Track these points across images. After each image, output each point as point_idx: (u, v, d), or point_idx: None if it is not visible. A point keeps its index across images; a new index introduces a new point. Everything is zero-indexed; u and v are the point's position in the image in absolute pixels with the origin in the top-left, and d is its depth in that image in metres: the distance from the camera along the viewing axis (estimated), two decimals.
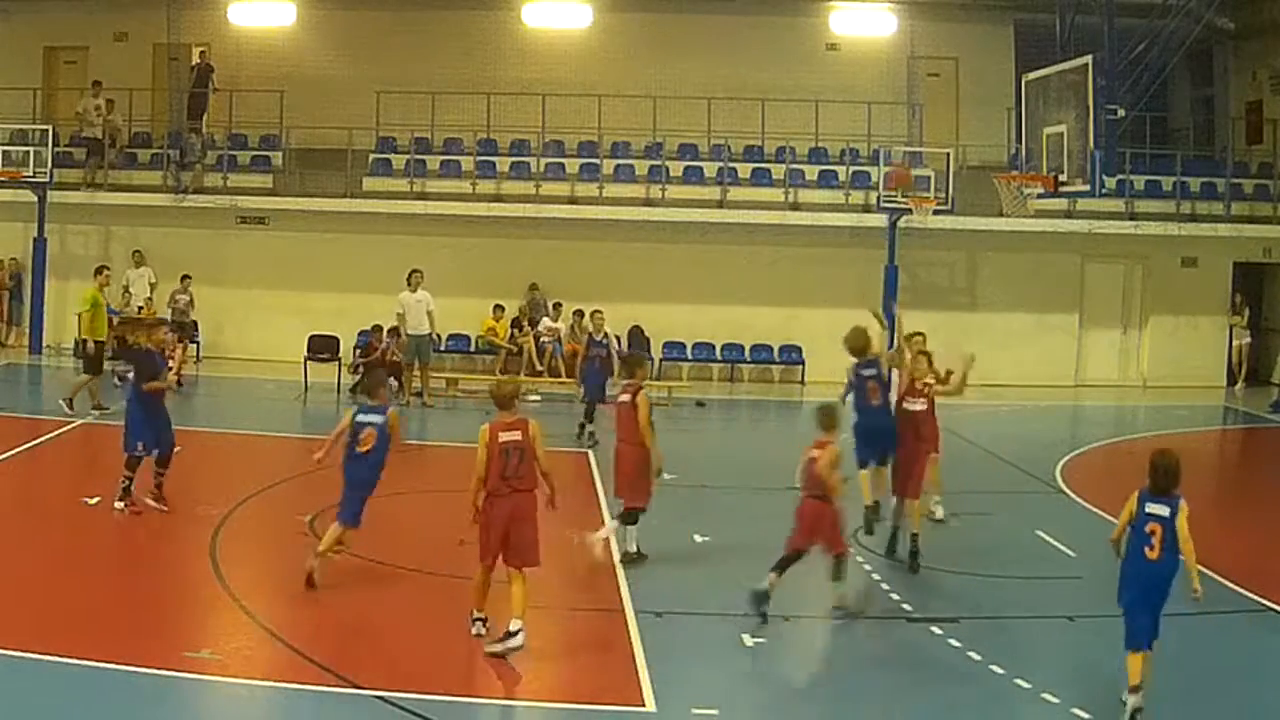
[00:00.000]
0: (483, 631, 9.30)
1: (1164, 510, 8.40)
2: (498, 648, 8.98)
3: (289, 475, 14.83)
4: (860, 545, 12.32)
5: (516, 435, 9.11)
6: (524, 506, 9.15)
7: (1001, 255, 25.48)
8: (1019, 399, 22.90)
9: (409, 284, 21.13)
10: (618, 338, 24.98)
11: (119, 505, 12.54)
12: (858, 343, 11.85)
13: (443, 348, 23.89)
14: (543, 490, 9.28)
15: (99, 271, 20.39)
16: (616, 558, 11.62)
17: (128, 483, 12.63)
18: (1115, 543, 8.68)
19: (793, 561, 10.16)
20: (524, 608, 9.04)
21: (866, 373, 11.84)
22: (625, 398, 11.70)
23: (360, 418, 10.74)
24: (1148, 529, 8.40)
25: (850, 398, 12.24)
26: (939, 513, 13.22)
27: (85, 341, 18.97)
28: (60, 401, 18.27)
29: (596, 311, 19.12)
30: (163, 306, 24.62)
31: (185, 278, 24.34)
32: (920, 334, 13.27)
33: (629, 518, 11.63)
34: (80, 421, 17.72)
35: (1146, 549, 8.40)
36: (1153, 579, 8.38)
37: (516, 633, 8.97)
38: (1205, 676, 9.31)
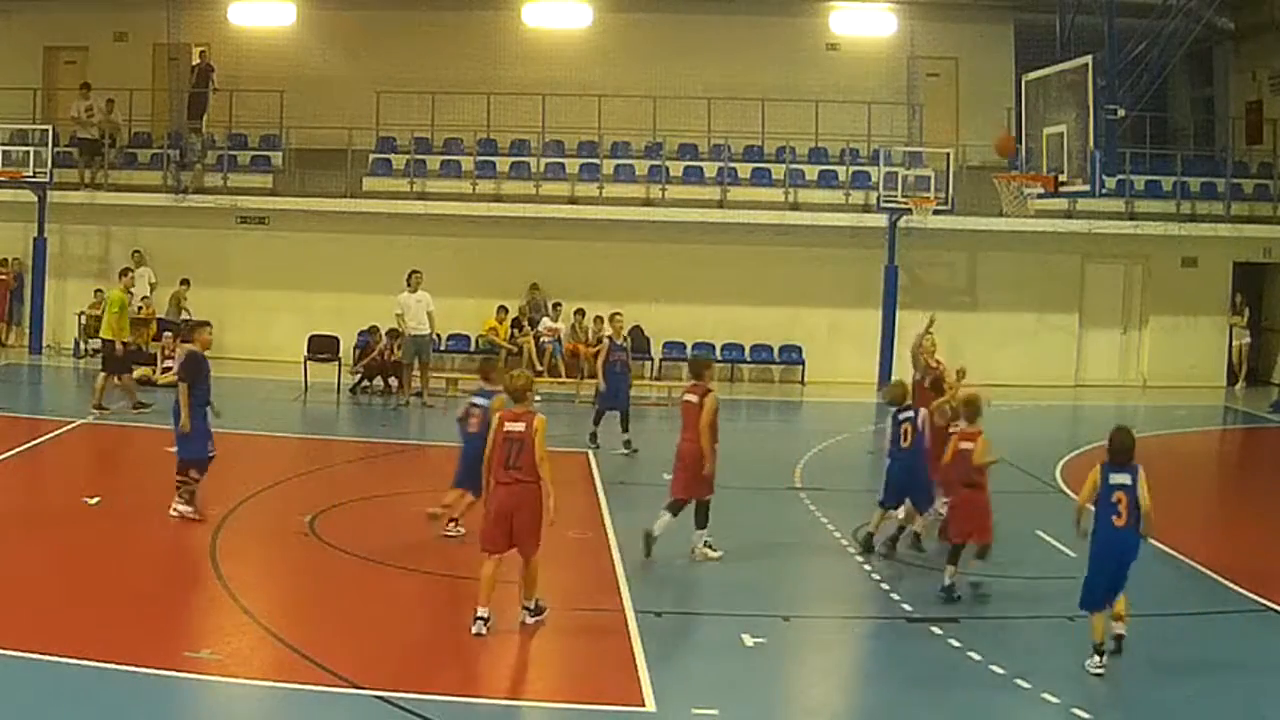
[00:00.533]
0: (484, 631, 9.27)
1: (1127, 479, 9.06)
2: (530, 621, 9.48)
3: (289, 475, 14.85)
4: (859, 543, 12.42)
5: (520, 426, 9.35)
6: (525, 497, 9.32)
7: (1001, 255, 25.47)
8: (1019, 399, 22.87)
9: (408, 284, 21.12)
10: None
11: (187, 511, 12.30)
12: (896, 393, 12.46)
13: (443, 348, 23.92)
14: (546, 485, 9.32)
15: (124, 273, 20.43)
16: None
17: (194, 486, 12.41)
18: (1079, 513, 9.36)
19: (960, 552, 10.88)
20: (535, 588, 9.54)
21: (903, 417, 12.22)
22: (692, 398, 11.78)
23: (473, 400, 11.72)
24: (1114, 498, 9.04)
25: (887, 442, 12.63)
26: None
27: (111, 342, 18.93)
28: (123, 408, 18.46)
29: (616, 314, 18.66)
30: (162, 306, 24.67)
31: (184, 282, 24.37)
32: (929, 333, 13.62)
33: (702, 514, 11.77)
34: (80, 421, 17.74)
35: (1114, 518, 9.03)
36: (1123, 544, 9.04)
37: (537, 610, 9.56)
38: (1205, 676, 9.30)
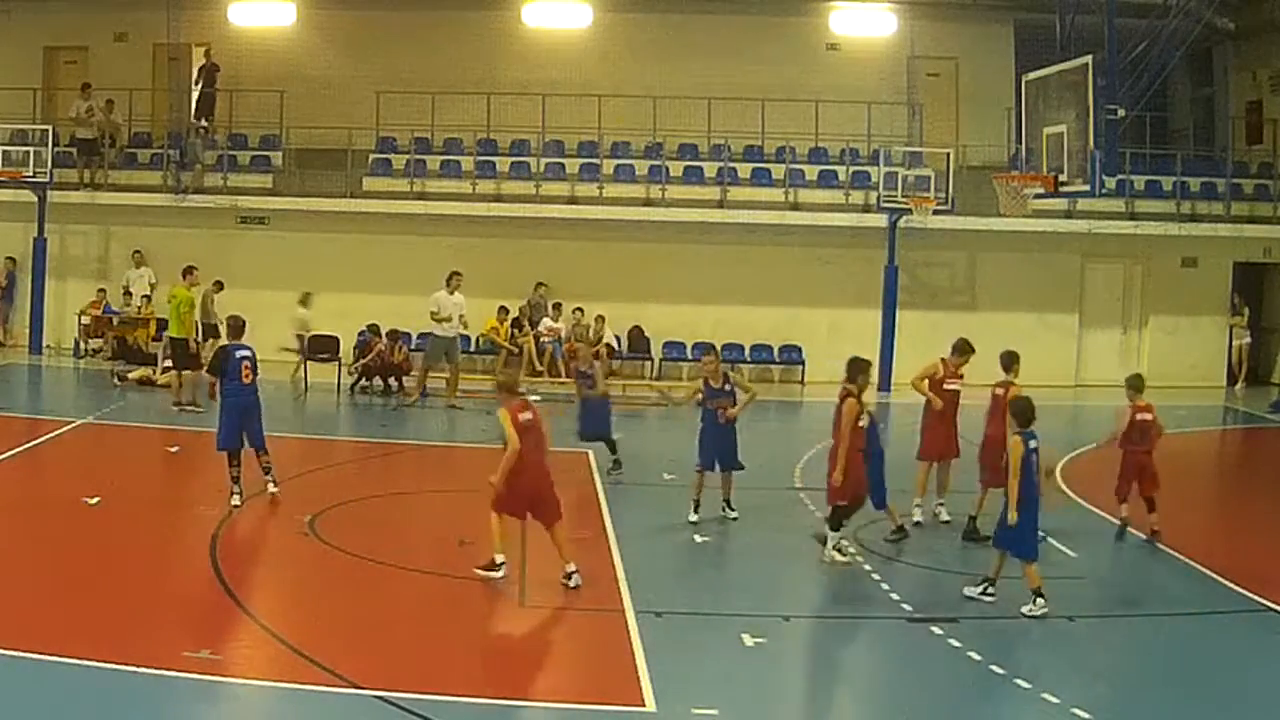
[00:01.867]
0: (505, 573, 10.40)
1: (1037, 444, 10.31)
2: (571, 582, 10.35)
3: (289, 475, 14.83)
4: (860, 544, 12.43)
5: (529, 415, 10.59)
6: (545, 472, 10.62)
7: (1001, 255, 25.46)
8: None
9: (448, 285, 21.06)
10: (618, 337, 25.02)
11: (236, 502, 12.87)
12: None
13: None
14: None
15: (188, 272, 20.38)
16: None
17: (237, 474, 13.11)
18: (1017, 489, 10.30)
19: (1153, 505, 12.66)
20: (572, 550, 10.52)
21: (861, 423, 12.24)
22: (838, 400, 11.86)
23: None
24: (1034, 460, 10.26)
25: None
26: (916, 515, 13.24)
27: (185, 340, 19.46)
28: (171, 407, 18.74)
29: (593, 337, 16.99)
30: (161, 306, 24.57)
31: (218, 284, 24.09)
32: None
33: (836, 516, 11.80)
34: (80, 421, 17.75)
35: (1034, 476, 10.29)
36: (1037, 501, 10.34)
37: (572, 573, 10.42)
38: (1205, 676, 9.30)
